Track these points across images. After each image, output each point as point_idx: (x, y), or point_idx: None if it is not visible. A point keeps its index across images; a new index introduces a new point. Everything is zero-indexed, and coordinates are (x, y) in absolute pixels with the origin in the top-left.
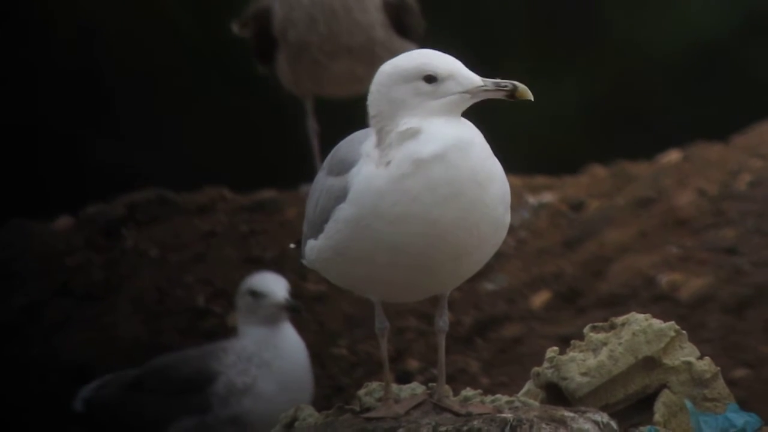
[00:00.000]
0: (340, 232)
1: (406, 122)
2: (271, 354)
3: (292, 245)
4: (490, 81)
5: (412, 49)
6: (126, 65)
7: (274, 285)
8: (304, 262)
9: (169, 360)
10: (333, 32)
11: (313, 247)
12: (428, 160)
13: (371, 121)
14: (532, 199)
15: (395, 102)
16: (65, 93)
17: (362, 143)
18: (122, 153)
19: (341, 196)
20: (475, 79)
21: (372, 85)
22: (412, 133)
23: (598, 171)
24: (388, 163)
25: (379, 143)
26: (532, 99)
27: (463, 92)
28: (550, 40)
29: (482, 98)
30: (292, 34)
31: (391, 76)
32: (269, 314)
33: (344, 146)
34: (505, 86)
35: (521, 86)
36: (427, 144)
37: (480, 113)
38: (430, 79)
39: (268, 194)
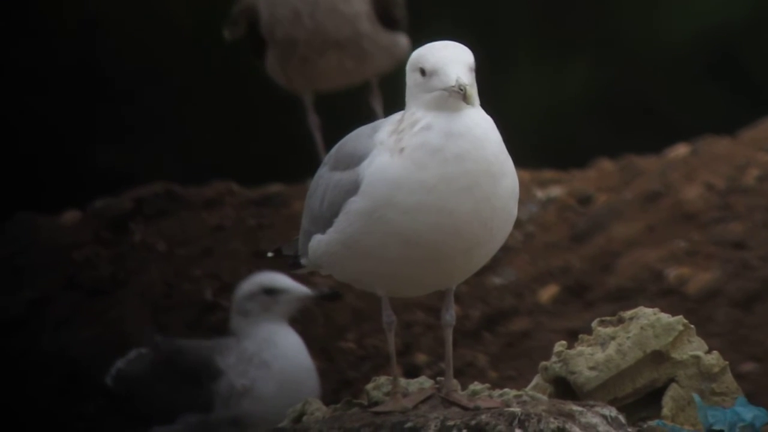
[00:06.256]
0: (351, 225)
1: (415, 112)
2: (271, 353)
3: (270, 254)
4: (459, 83)
5: (401, 41)
6: (131, 61)
7: (288, 280)
8: (303, 261)
9: (180, 346)
10: (319, 25)
11: (320, 241)
12: (442, 151)
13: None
14: (540, 193)
15: (407, 89)
16: (71, 89)
17: (371, 136)
18: (129, 147)
19: (352, 189)
20: (450, 79)
21: None
22: (425, 124)
23: (606, 165)
24: (402, 149)
25: (398, 127)
26: (474, 105)
27: (443, 89)
28: (557, 32)
29: (457, 98)
30: (279, 31)
31: (408, 62)
32: (285, 310)
33: (350, 141)
34: (461, 89)
35: (469, 91)
36: (441, 135)
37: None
38: (422, 72)
39: (275, 188)
